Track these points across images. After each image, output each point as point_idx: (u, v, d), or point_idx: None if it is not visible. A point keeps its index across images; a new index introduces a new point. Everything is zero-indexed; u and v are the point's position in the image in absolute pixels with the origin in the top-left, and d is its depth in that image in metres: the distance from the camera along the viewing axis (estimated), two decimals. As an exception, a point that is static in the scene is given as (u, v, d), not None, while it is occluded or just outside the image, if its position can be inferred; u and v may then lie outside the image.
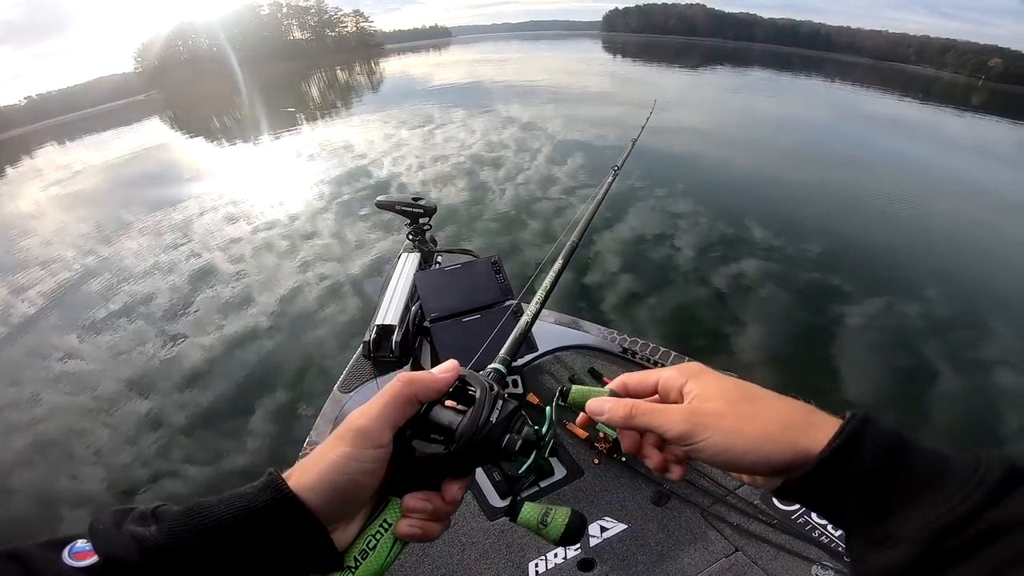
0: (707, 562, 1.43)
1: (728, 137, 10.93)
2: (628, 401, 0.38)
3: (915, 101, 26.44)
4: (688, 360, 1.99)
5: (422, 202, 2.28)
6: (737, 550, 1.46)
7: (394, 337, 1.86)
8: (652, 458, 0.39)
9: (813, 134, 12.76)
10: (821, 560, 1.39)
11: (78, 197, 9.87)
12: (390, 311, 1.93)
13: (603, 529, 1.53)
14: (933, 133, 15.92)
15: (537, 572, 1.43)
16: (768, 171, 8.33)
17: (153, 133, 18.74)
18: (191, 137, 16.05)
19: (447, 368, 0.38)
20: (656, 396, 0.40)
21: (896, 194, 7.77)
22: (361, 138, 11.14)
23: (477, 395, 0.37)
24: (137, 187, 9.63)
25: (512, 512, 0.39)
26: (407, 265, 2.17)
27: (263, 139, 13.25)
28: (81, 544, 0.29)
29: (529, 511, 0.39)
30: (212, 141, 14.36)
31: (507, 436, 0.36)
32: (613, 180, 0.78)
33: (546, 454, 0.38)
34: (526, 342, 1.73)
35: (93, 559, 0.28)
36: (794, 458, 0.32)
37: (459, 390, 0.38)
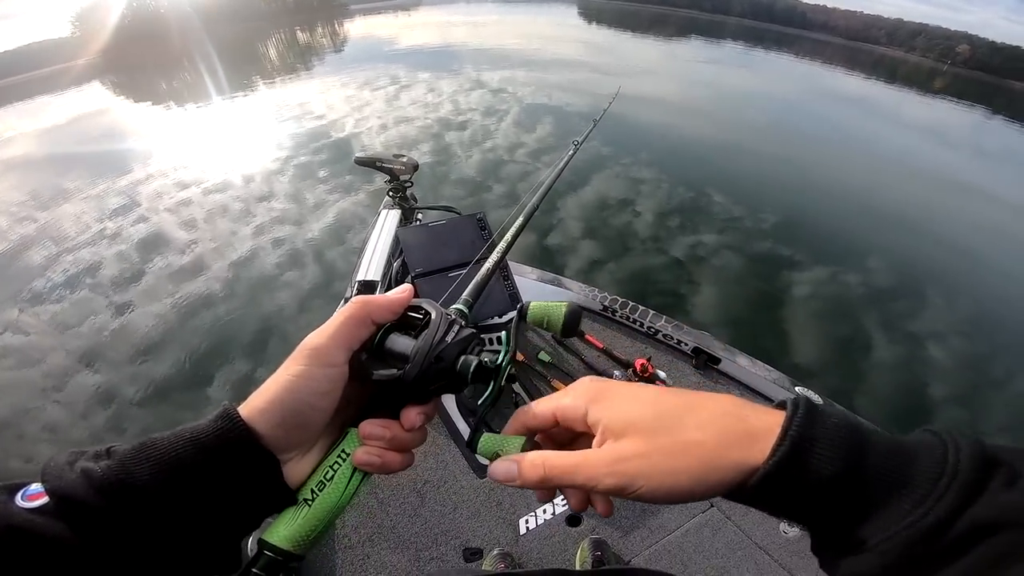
0: (685, 518, 1.51)
1: (694, 108, 10.99)
2: (539, 460, 0.33)
3: (880, 82, 27.09)
4: (668, 321, 2.01)
5: (403, 159, 2.23)
6: (712, 506, 1.53)
7: (376, 293, 1.83)
8: (570, 499, 0.35)
9: (777, 109, 12.98)
10: None
11: (9, 165, 9.10)
12: (372, 267, 1.88)
13: None
14: (892, 114, 16.43)
15: (528, 528, 1.47)
16: (731, 143, 8.46)
17: (93, 98, 17.22)
18: (135, 101, 14.84)
19: (401, 290, 0.37)
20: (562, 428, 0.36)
21: (850, 170, 8.06)
22: (321, 101, 10.62)
23: (432, 317, 0.36)
24: (76, 153, 8.94)
25: (472, 443, 0.37)
26: (388, 221, 2.14)
27: (215, 103, 12.43)
28: (35, 487, 0.28)
29: (487, 441, 0.37)
30: (159, 105, 13.34)
31: (462, 358, 0.35)
32: (574, 154, 0.80)
33: (503, 381, 0.37)
34: (510, 298, 1.78)
35: (44, 499, 0.27)
36: (742, 476, 0.28)
37: (418, 324, 0.37)
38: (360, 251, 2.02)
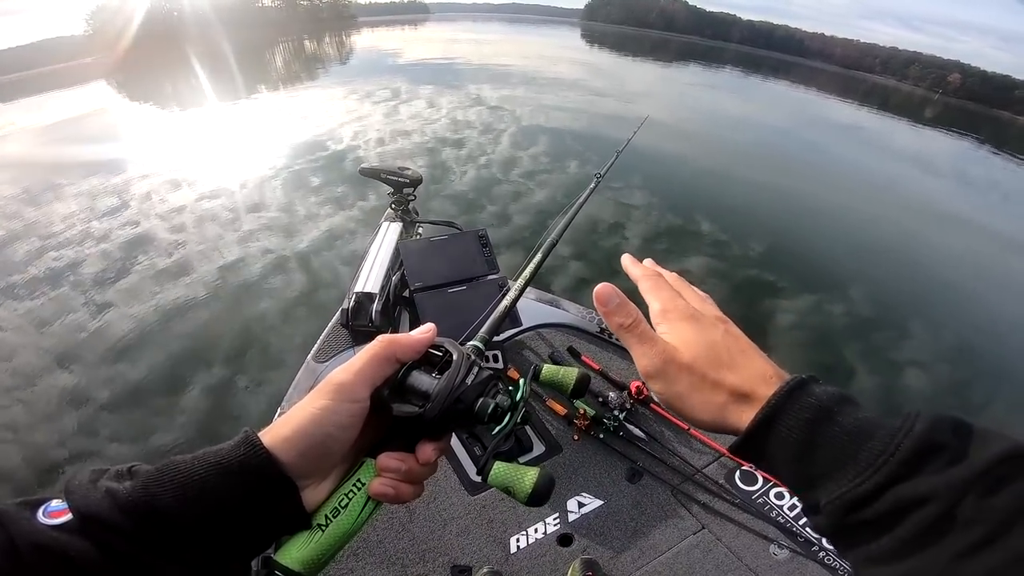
0: (676, 539, 1.49)
1: (688, 134, 11.11)
2: (633, 312, 0.39)
3: (872, 111, 27.76)
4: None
5: (408, 172, 2.25)
6: (704, 527, 1.51)
7: (374, 306, 1.81)
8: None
9: (770, 136, 13.18)
10: (779, 540, 1.47)
11: (5, 160, 9.06)
12: (370, 279, 1.87)
13: (581, 505, 1.55)
14: (883, 143, 16.78)
15: (518, 547, 1.44)
16: (722, 169, 8.55)
17: (97, 97, 17.28)
18: (139, 103, 14.94)
19: (425, 330, 0.39)
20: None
21: (839, 198, 8.16)
22: (322, 111, 10.72)
23: (454, 358, 0.37)
24: (74, 151, 8.89)
25: (484, 471, 0.39)
26: (388, 234, 2.14)
27: (217, 107, 12.54)
28: (56, 503, 0.29)
29: (500, 470, 0.38)
30: (162, 107, 13.43)
31: (480, 399, 0.37)
32: (595, 187, 0.81)
33: (518, 420, 0.39)
34: (510, 317, 1.75)
35: (67, 517, 0.28)
36: (731, 431, 0.34)
37: (438, 361, 0.38)
38: (359, 262, 2.01)
